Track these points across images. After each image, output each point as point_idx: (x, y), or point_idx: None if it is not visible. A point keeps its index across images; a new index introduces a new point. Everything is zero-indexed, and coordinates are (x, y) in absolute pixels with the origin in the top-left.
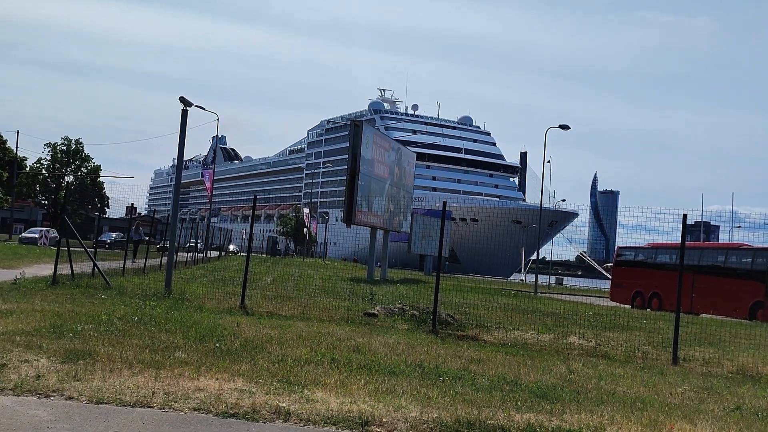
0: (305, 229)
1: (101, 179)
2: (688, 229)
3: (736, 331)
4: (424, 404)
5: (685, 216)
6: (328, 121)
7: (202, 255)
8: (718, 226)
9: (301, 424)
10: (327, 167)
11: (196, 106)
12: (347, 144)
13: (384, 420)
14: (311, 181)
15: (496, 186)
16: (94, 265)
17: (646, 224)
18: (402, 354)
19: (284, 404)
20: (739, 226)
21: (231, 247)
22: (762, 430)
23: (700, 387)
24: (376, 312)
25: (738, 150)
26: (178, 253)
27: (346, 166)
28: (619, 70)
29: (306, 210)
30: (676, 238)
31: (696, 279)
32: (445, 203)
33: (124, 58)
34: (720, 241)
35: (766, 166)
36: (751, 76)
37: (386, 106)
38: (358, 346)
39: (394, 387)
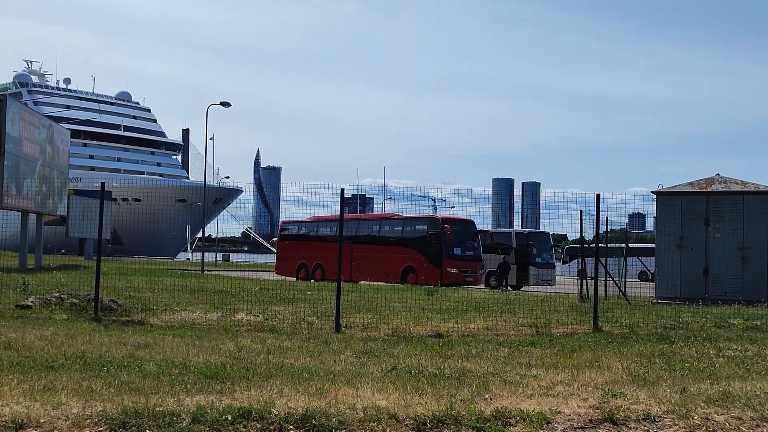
0: None
1: None
2: (345, 202)
3: (391, 295)
4: (87, 398)
5: (342, 190)
6: None
7: None
8: (373, 198)
9: None
10: None
11: None
12: None
13: (42, 420)
14: None
15: (159, 164)
16: None
17: (308, 198)
18: (61, 346)
19: None
20: (390, 198)
21: None
22: (415, 386)
23: (361, 351)
24: (30, 303)
25: (386, 126)
26: None
27: None
28: (275, 49)
29: None
30: (335, 210)
31: (354, 249)
32: (103, 183)
33: None
34: (374, 212)
35: (410, 142)
36: (390, 56)
37: (34, 79)
38: (9, 342)
39: (53, 383)
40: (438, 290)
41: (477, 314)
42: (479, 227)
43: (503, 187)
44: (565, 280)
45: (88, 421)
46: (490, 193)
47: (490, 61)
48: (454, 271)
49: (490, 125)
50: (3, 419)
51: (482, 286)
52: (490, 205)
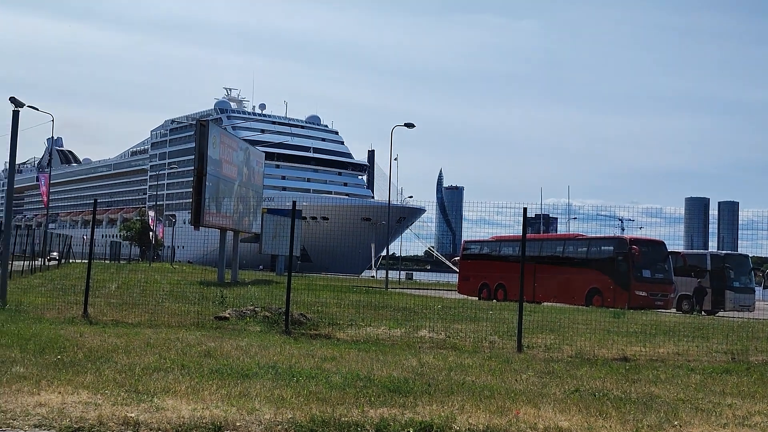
0: (151, 233)
1: None
2: (528, 222)
3: (575, 317)
4: (278, 405)
5: (525, 209)
6: (173, 121)
7: (40, 263)
8: (556, 218)
9: None
10: (172, 168)
11: (28, 106)
12: (193, 144)
13: (237, 424)
14: (156, 183)
15: (345, 184)
16: None
17: (490, 218)
18: (255, 356)
19: (133, 414)
20: (574, 218)
21: (54, 254)
22: (599, 409)
23: (543, 372)
24: (228, 315)
25: (570, 145)
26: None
27: (192, 167)
28: (457, 70)
29: (151, 213)
30: (517, 230)
31: (537, 269)
32: (294, 202)
33: None
34: (558, 232)
35: (595, 161)
36: (574, 74)
37: (233, 105)
38: (209, 351)
39: (248, 390)
40: (625, 313)
41: (666, 338)
42: (670, 249)
43: (697, 206)
44: (766, 306)
45: (279, 427)
46: (683, 212)
47: (681, 75)
48: (642, 294)
49: (682, 143)
50: (203, 421)
51: (673, 310)
52: (683, 226)
